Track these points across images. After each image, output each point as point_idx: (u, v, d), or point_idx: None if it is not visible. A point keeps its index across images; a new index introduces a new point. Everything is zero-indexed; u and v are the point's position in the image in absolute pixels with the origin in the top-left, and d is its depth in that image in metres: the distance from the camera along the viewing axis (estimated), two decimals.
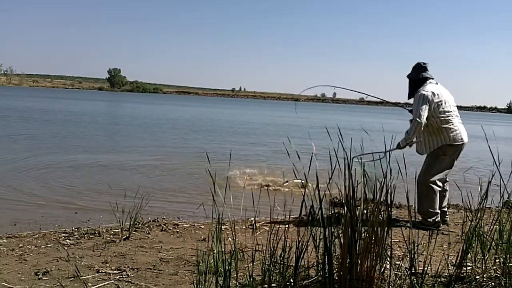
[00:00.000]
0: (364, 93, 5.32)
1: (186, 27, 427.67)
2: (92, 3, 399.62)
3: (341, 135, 2.51)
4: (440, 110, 4.57)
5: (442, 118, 4.57)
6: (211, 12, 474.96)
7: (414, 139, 4.61)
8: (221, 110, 45.10)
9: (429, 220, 4.51)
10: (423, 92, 4.59)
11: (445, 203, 4.81)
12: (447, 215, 4.84)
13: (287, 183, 6.65)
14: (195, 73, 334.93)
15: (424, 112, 4.51)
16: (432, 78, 4.76)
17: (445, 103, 4.61)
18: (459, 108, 5.01)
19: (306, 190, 2.48)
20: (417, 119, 4.51)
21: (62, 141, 12.60)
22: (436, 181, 4.58)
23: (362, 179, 2.46)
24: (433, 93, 4.58)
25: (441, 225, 4.65)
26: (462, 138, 4.62)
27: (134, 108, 39.97)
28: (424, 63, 4.80)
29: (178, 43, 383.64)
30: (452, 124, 4.60)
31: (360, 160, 2.50)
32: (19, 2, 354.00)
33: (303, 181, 2.54)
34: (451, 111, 4.66)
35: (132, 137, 14.90)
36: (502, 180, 2.77)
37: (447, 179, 4.81)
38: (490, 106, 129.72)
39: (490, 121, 52.52)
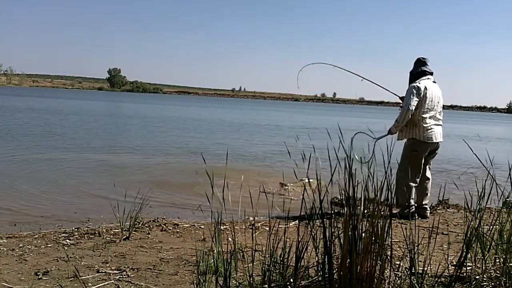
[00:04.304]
0: (362, 77, 5.39)
1: (186, 27, 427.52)
2: (92, 3, 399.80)
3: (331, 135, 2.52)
4: (424, 105, 4.85)
5: (422, 115, 4.85)
6: (211, 12, 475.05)
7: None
8: (221, 110, 45.10)
9: (405, 211, 4.81)
10: (416, 84, 4.90)
11: (425, 201, 5.10)
12: (427, 211, 5.12)
13: (291, 184, 6.65)
14: (195, 73, 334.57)
15: (414, 102, 4.82)
16: (431, 73, 5.03)
17: (431, 101, 4.89)
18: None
19: (307, 189, 2.49)
20: (406, 107, 4.83)
21: (61, 141, 12.61)
22: (410, 177, 4.83)
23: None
24: (425, 87, 4.87)
25: (420, 218, 4.95)
26: (433, 138, 4.90)
27: (132, 108, 39.97)
28: (423, 58, 5.09)
29: (178, 43, 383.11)
30: (428, 124, 4.87)
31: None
32: (19, 2, 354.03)
33: (306, 180, 2.53)
34: (433, 111, 4.91)
35: (130, 137, 14.90)
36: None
37: (429, 176, 5.11)
38: (490, 106, 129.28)
39: (491, 121, 52.45)
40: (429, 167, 5.13)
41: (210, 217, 2.64)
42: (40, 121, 18.98)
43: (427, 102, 4.85)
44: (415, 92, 4.83)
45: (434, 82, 5.01)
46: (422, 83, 4.89)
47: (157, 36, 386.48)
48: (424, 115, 4.85)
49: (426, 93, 4.83)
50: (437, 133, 4.94)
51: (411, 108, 4.80)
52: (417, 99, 4.81)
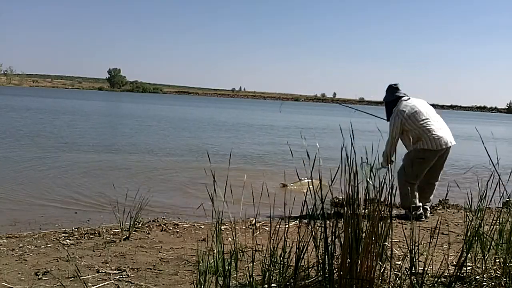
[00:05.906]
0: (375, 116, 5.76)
1: (186, 27, 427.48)
2: (92, 3, 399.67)
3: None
4: (416, 120, 4.88)
5: (421, 127, 4.86)
6: (211, 12, 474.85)
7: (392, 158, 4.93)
8: (220, 110, 45.10)
9: (412, 213, 4.73)
10: (394, 114, 4.99)
11: (426, 203, 5.12)
12: (428, 211, 5.16)
13: (293, 184, 6.66)
14: (195, 73, 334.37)
15: (396, 133, 4.93)
16: (404, 96, 5.13)
17: (418, 113, 4.92)
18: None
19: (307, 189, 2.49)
20: (389, 143, 4.96)
21: (61, 141, 12.60)
22: (412, 177, 4.88)
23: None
24: (403, 111, 4.94)
25: (424, 218, 5.01)
26: (442, 144, 4.86)
27: (131, 108, 39.95)
28: (395, 84, 5.22)
29: (178, 43, 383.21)
30: (433, 131, 4.86)
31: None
32: (19, 2, 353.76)
33: (308, 180, 2.53)
34: (429, 118, 4.92)
35: (129, 137, 14.89)
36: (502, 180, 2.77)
37: (436, 182, 5.13)
38: (490, 106, 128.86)
39: (490, 121, 52.45)
40: (439, 172, 5.13)
41: (211, 217, 2.63)
42: (34, 121, 18.87)
43: (418, 115, 4.87)
44: (394, 122, 4.93)
45: (409, 98, 5.08)
46: (401, 107, 4.95)
47: (157, 36, 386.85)
48: (424, 126, 4.84)
49: (410, 110, 4.89)
50: (446, 138, 4.88)
51: (394, 141, 4.94)
52: (399, 127, 4.89)
